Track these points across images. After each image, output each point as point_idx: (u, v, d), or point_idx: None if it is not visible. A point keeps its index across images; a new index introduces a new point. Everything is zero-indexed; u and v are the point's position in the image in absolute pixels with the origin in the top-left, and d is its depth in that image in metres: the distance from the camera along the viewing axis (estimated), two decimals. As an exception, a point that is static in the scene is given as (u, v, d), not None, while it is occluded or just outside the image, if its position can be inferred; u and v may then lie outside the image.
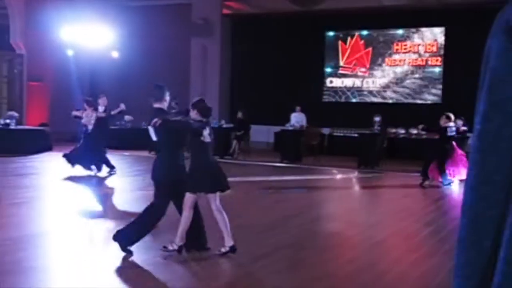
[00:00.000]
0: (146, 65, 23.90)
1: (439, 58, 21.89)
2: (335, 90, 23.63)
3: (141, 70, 23.85)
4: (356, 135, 17.84)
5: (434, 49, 21.98)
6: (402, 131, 20.39)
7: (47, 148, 18.09)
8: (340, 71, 23.49)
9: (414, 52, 22.29)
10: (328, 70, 23.70)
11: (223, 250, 6.11)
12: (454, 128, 12.96)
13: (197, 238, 6.23)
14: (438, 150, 13.02)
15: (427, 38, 22.17)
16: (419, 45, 22.23)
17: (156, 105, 6.38)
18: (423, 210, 10.18)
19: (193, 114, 6.36)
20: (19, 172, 13.32)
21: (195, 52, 24.26)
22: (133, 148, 19.28)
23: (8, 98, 22.43)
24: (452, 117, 13.07)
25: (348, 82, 23.38)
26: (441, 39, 21.93)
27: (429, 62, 22.06)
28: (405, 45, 22.42)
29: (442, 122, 12.91)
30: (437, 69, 21.98)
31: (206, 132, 6.20)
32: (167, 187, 6.18)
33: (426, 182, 12.92)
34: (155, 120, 6.03)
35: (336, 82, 23.58)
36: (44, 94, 22.34)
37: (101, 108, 13.79)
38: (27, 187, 11.05)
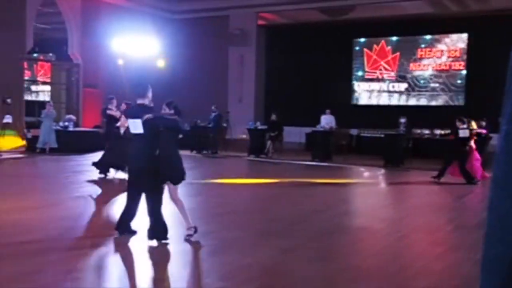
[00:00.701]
0: (189, 72, 23.95)
1: (462, 63, 21.41)
2: (363, 93, 23.31)
3: (184, 77, 23.92)
4: (382, 135, 17.46)
5: (458, 54, 21.49)
6: (427, 132, 19.93)
7: (101, 147, 18.24)
8: (367, 76, 23.15)
9: (438, 58, 21.84)
10: (356, 74, 23.40)
11: (188, 232, 6.14)
12: (467, 131, 12.49)
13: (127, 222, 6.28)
14: (454, 151, 12.64)
15: (450, 44, 21.69)
16: (442, 50, 21.77)
17: (140, 101, 6.45)
18: (447, 206, 9.82)
19: (169, 111, 6.58)
20: (76, 169, 13.47)
21: (232, 60, 24.21)
22: (182, 147, 19.25)
23: (66, 103, 22.79)
24: (465, 120, 12.64)
25: (375, 86, 23.05)
26: (464, 44, 21.43)
27: (453, 67, 21.58)
28: (430, 51, 22.01)
29: (457, 124, 12.58)
30: (460, 74, 21.49)
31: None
32: (145, 175, 6.16)
33: (437, 179, 12.56)
34: (148, 115, 6.12)
35: (364, 86, 23.27)
36: (98, 99, 22.55)
37: None
38: (83, 182, 11.10)
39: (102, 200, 9.19)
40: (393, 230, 7.31)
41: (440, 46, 21.80)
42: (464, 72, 21.37)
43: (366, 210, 9.40)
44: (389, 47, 22.67)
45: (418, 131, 19.83)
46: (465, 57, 21.29)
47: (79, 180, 11.38)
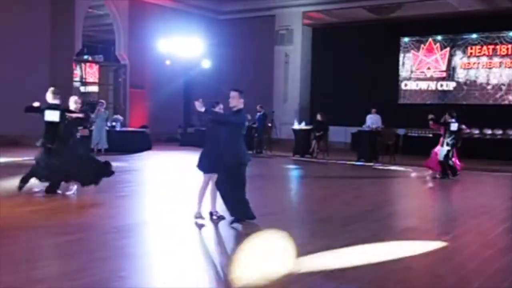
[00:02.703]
0: (234, 72, 24.19)
1: (513, 61, 20.97)
2: (410, 92, 23.07)
3: (229, 77, 24.16)
4: (431, 135, 17.30)
5: (508, 52, 21.04)
6: (476, 131, 19.59)
7: (147, 147, 18.64)
8: (415, 75, 22.90)
9: (488, 56, 21.42)
10: (404, 74, 23.17)
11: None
12: (456, 124, 13.02)
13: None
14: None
15: (500, 41, 21.23)
16: (493, 48, 21.34)
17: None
18: (498, 207, 9.69)
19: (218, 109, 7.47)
20: (123, 168, 13.73)
21: (278, 59, 24.34)
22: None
23: (113, 103, 23.35)
24: (454, 114, 13.18)
25: (422, 85, 22.77)
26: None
27: (503, 65, 21.14)
28: (479, 48, 21.58)
29: (446, 117, 13.12)
30: (511, 71, 21.04)
31: None
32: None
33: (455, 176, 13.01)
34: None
35: (411, 85, 23.02)
36: (144, 99, 23.06)
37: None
38: (130, 182, 11.41)
39: (148, 199, 9.43)
40: (443, 231, 7.30)
41: (490, 44, 21.37)
42: (515, 70, 20.94)
43: (414, 211, 9.37)
44: (438, 45, 22.37)
45: (468, 130, 19.52)
46: (517, 54, 20.86)
47: (125, 180, 11.68)
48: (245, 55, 24.30)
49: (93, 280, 4.73)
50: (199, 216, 7.40)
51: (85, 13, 21.28)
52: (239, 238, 6.51)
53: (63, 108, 9.16)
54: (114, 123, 18.42)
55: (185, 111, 24.96)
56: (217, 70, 24.19)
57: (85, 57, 26.15)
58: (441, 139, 13.24)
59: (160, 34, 21.97)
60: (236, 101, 7.27)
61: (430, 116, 13.32)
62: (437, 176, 13.14)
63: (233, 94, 7.31)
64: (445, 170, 13.09)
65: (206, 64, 23.14)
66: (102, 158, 15.61)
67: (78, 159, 9.09)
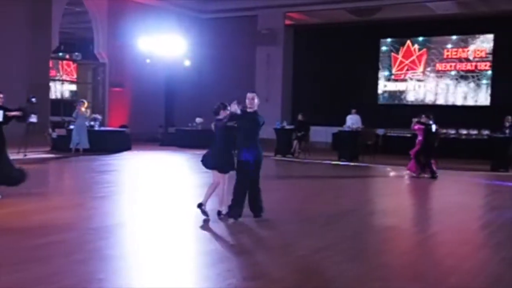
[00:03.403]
0: (216, 71, 24.21)
1: (488, 63, 21.35)
2: (389, 93, 23.33)
3: (211, 77, 24.19)
4: (409, 135, 17.48)
5: (483, 54, 21.42)
6: (453, 131, 19.90)
7: (127, 147, 18.53)
8: (394, 76, 23.18)
9: (464, 58, 21.81)
10: (383, 74, 23.42)
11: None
12: (434, 125, 13.55)
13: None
14: (423, 145, 13.38)
15: (476, 44, 21.63)
16: (468, 50, 21.73)
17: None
18: (473, 205, 9.91)
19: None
20: (102, 169, 13.68)
21: (259, 60, 24.41)
22: (204, 147, 19.42)
23: (92, 102, 23.15)
24: (431, 116, 13.61)
25: (401, 86, 23.08)
26: (490, 45, 21.37)
27: (478, 67, 21.54)
28: (456, 51, 21.97)
29: (423, 120, 13.44)
30: (486, 74, 21.44)
31: (212, 124, 7.75)
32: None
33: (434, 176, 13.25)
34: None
35: (390, 86, 23.31)
36: (124, 98, 22.93)
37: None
38: (109, 183, 11.36)
39: (126, 200, 9.42)
40: (421, 230, 7.45)
41: (467, 47, 21.74)
42: (489, 72, 21.33)
43: (394, 210, 9.52)
44: (416, 48, 22.68)
45: (444, 131, 19.82)
46: (490, 57, 21.23)
47: (103, 181, 11.62)
48: (227, 54, 24.33)
49: (70, 283, 4.67)
50: (204, 212, 7.52)
51: (62, 10, 21.04)
52: (218, 238, 6.55)
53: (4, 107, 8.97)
54: (92, 123, 18.25)
55: (166, 111, 24.89)
56: (199, 69, 24.18)
57: (62, 54, 25.79)
58: (420, 139, 13.47)
59: (141, 32, 21.78)
60: (254, 102, 7.60)
61: (416, 120, 13.57)
62: (425, 176, 13.37)
63: (252, 95, 7.65)
64: (432, 169, 13.36)
65: (187, 63, 23.08)
66: (77, 159, 15.62)
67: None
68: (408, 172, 13.78)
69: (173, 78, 24.32)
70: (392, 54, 23.11)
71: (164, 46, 21.94)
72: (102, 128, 19.14)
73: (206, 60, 24.33)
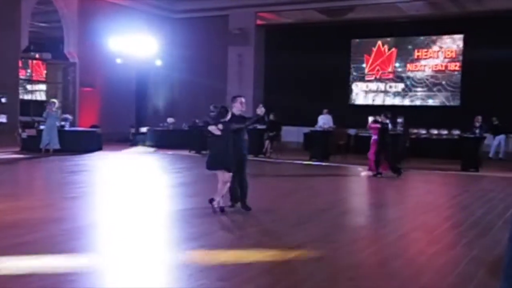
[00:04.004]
0: (187, 72, 24.12)
1: (458, 64, 21.65)
2: (360, 93, 23.50)
3: (182, 76, 24.07)
4: (380, 135, 17.65)
5: (453, 55, 21.72)
6: (423, 131, 20.14)
7: (98, 147, 18.34)
8: (365, 76, 23.36)
9: (435, 58, 22.07)
10: (354, 74, 23.59)
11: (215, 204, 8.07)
12: (390, 126, 14.03)
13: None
14: (381, 143, 13.60)
15: (446, 45, 21.92)
16: (439, 51, 22.00)
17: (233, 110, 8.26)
18: (443, 205, 10.03)
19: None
20: (72, 169, 13.52)
21: (231, 60, 24.37)
22: (175, 147, 19.43)
23: (62, 103, 22.81)
24: (389, 115, 14.08)
25: (372, 86, 23.27)
26: (460, 45, 21.67)
27: (449, 68, 21.83)
28: (426, 51, 22.23)
29: (381, 118, 13.73)
30: (456, 74, 21.72)
31: (212, 127, 7.96)
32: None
33: (398, 175, 13.52)
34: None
35: (362, 86, 23.47)
36: (95, 98, 22.67)
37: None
38: (80, 183, 11.22)
39: (98, 201, 9.32)
40: (392, 229, 7.49)
41: (437, 47, 22.04)
42: (459, 72, 21.63)
43: (365, 210, 9.60)
44: (386, 48, 22.90)
45: (415, 131, 20.05)
46: (460, 57, 21.54)
47: (75, 181, 11.48)
48: (198, 55, 24.23)
49: (42, 284, 4.62)
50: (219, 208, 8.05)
51: (32, 9, 20.70)
52: (190, 239, 6.50)
53: None
54: (63, 123, 18.03)
55: (137, 111, 24.68)
56: (170, 69, 24.04)
57: (32, 54, 25.36)
58: (375, 138, 13.69)
59: (112, 31, 21.57)
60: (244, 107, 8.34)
61: (373, 119, 13.83)
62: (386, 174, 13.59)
63: (244, 100, 8.42)
64: (396, 167, 13.59)
65: (159, 63, 22.94)
66: (47, 159, 15.41)
67: None
68: (369, 172, 13.91)
69: (144, 78, 24.14)
70: (363, 51, 23.28)
71: (135, 46, 21.78)
72: (73, 128, 18.98)
73: (178, 60, 24.21)
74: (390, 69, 22.85)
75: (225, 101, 24.00)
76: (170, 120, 21.27)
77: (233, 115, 8.16)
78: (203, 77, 23.70)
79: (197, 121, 19.53)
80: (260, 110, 8.34)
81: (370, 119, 14.04)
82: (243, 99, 8.39)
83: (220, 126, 7.91)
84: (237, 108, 8.28)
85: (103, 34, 21.62)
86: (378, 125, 13.65)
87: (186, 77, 24.17)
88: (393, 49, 22.73)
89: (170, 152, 18.85)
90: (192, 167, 15.24)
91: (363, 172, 13.87)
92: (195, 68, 24.10)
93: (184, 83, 24.04)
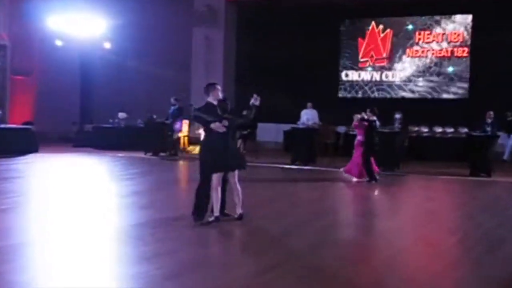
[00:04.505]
0: (142, 58, 23.92)
1: (466, 49, 21.76)
2: (351, 84, 23.59)
3: (137, 63, 23.88)
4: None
5: (461, 38, 21.86)
6: (425, 129, 20.33)
7: (33, 149, 18.14)
8: (357, 64, 23.41)
9: (438, 42, 22.19)
10: (344, 62, 23.63)
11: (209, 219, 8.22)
12: (378, 123, 14.08)
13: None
14: (369, 144, 13.78)
15: (452, 27, 22.04)
16: (443, 34, 22.12)
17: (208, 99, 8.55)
18: (448, 215, 10.18)
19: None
20: (3, 175, 13.38)
21: (196, 43, 24.26)
22: (128, 148, 19.31)
23: (-12, 94, 22.54)
24: (377, 111, 14.08)
25: (366, 75, 23.33)
26: (468, 27, 21.76)
27: (455, 54, 21.96)
28: (429, 34, 22.33)
29: (368, 115, 13.87)
30: (464, 61, 21.86)
31: (213, 125, 8.16)
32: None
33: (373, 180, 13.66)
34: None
35: (353, 76, 23.53)
36: (29, 89, 22.45)
37: None
38: (11, 192, 11.10)
39: (34, 213, 9.23)
40: (388, 244, 7.59)
41: (441, 29, 22.21)
42: (467, 59, 21.75)
43: (357, 221, 9.68)
44: (381, 28, 22.98)
45: (416, 128, 20.22)
46: (469, 42, 21.71)
47: (5, 190, 11.33)
48: (157, 37, 24.07)
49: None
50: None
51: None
52: (145, 259, 6.50)
53: None
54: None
55: (81, 104, 24.49)
56: (122, 54, 23.86)
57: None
58: (360, 139, 13.85)
59: (50, 9, 21.31)
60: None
61: (360, 116, 13.94)
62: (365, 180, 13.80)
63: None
64: (371, 172, 13.79)
65: (107, 46, 22.76)
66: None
67: None
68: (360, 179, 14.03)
69: (90, 64, 23.95)
70: (355, 35, 23.34)
71: (79, 26, 21.52)
72: (2, 126, 18.71)
73: (131, 43, 24.02)
74: (386, 56, 22.98)
75: (189, 92, 24.00)
76: (121, 115, 21.13)
77: (211, 105, 8.42)
78: (162, 64, 23.56)
79: (154, 116, 19.45)
80: (256, 100, 8.67)
81: (357, 117, 14.10)
82: (219, 87, 8.71)
83: (226, 122, 8.22)
84: (216, 97, 8.53)
85: (40, 11, 21.35)
86: (366, 123, 13.79)
87: (141, 63, 23.98)
88: (389, 30, 22.80)
89: (121, 154, 18.74)
90: (148, 172, 15.17)
91: (355, 178, 13.98)
92: (152, 53, 23.95)
93: (138, 71, 23.86)
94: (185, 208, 9.13)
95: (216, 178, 8.27)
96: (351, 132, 20.57)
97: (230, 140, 8.43)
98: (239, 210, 8.54)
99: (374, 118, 13.91)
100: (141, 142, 19.21)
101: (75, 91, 24.04)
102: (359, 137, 13.98)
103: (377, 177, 13.77)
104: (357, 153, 13.96)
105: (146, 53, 24.00)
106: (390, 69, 22.89)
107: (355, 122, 14.22)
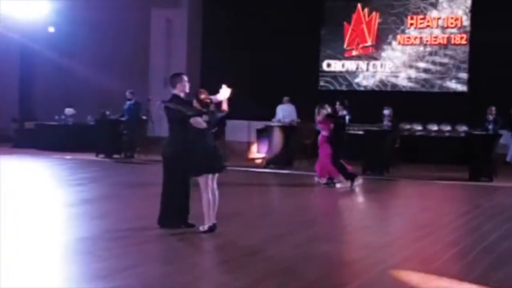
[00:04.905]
0: (93, 44, 23.73)
1: (464, 36, 21.86)
2: (334, 75, 23.62)
3: (86, 50, 23.68)
4: (360, 132, 17.86)
5: (459, 24, 21.95)
6: (419, 127, 20.45)
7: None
8: (343, 53, 23.40)
9: (433, 28, 22.26)
10: (325, 50, 23.64)
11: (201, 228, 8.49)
12: (348, 117, 14.35)
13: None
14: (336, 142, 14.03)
15: (449, 10, 22.12)
16: (439, 18, 22.20)
17: (173, 92, 8.83)
18: (446, 226, 10.22)
19: (195, 104, 8.73)
20: None
21: (156, 27, 24.17)
22: (77, 149, 19.15)
23: None
24: (347, 104, 14.42)
25: (350, 65, 23.35)
26: (467, 11, 21.84)
27: (452, 41, 22.05)
28: (422, 19, 22.40)
29: (338, 108, 14.24)
30: (462, 50, 21.95)
31: (198, 119, 8.50)
32: (168, 162, 8.71)
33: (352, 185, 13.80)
34: (158, 102, 8.28)
35: (336, 66, 23.54)
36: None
37: None
38: None
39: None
40: (378, 260, 7.59)
41: (437, 13, 22.29)
42: (466, 47, 21.86)
43: (342, 234, 9.69)
44: (367, 12, 22.99)
45: (408, 126, 20.33)
46: (468, 28, 21.82)
47: None
48: (109, 19, 23.87)
49: None
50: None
51: None
52: (98, 277, 6.44)
53: None
54: None
55: (21, 98, 24.23)
56: (69, 40, 23.64)
57: None
58: (326, 135, 13.98)
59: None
60: None
61: (327, 112, 14.03)
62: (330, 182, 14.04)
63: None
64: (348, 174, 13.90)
65: (52, 30, 22.58)
66: None
67: None
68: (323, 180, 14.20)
69: (31, 52, 23.69)
70: (339, 19, 23.32)
71: (18, 8, 21.33)
72: None
73: (80, 28, 23.80)
74: (371, 42, 23.00)
75: (147, 83, 23.88)
76: (69, 111, 20.95)
77: (179, 99, 8.73)
78: (115, 51, 23.40)
79: (107, 112, 19.32)
80: (226, 93, 9.03)
81: (322, 112, 14.15)
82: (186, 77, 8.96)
83: (206, 117, 8.60)
84: (183, 89, 8.84)
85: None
86: (331, 122, 13.86)
87: (91, 51, 23.80)
88: (374, 13, 22.78)
89: (69, 156, 18.58)
90: (100, 177, 15.08)
91: (338, 184, 14.02)
92: (105, 38, 23.77)
93: (89, 60, 23.66)
94: (145, 218, 9.10)
95: (203, 181, 8.50)
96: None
97: (211, 137, 8.72)
98: (212, 220, 8.58)
99: (344, 112, 14.03)
100: (92, 143, 19.08)
101: (13, 83, 23.78)
102: (323, 133, 14.04)
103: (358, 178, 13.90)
104: (323, 151, 14.00)
105: (97, 39, 23.81)
106: (377, 58, 22.93)
107: (319, 118, 14.22)
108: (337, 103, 14.17)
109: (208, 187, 8.53)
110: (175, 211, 8.64)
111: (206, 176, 8.54)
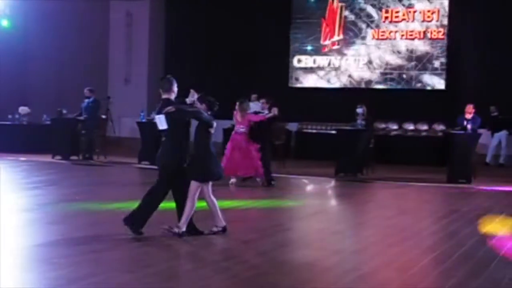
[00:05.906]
0: (49, 39, 23.55)
1: (442, 30, 22.01)
2: (305, 72, 23.64)
3: (41, 45, 23.49)
4: (333, 132, 17.92)
5: (435, 16, 22.08)
6: (394, 126, 20.57)
7: None
8: (312, 47, 23.44)
9: (409, 21, 22.35)
10: (296, 45, 23.67)
11: (215, 229, 8.93)
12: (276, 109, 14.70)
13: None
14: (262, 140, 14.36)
15: (426, 3, 22.23)
16: (415, 11, 22.30)
17: (165, 96, 9.04)
18: (423, 231, 10.30)
19: (202, 107, 9.07)
20: None
21: (116, 21, 24.10)
22: (32, 151, 19.00)
23: None
24: (272, 98, 15.00)
25: (322, 61, 23.39)
26: (444, 3, 21.97)
27: (429, 35, 22.17)
28: (397, 11, 22.50)
29: (266, 103, 14.73)
30: (439, 44, 22.09)
31: (215, 124, 8.96)
32: (170, 173, 8.75)
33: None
34: (169, 107, 8.64)
35: (307, 61, 23.58)
36: None
37: None
38: None
39: None
40: (351, 267, 7.62)
41: (412, 5, 22.37)
42: (444, 42, 22.00)
43: (313, 239, 9.71)
44: (338, 6, 23.03)
45: (383, 125, 20.45)
46: (446, 21, 21.96)
47: None
48: (66, 12, 23.74)
49: None
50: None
51: None
52: (48, 286, 6.41)
53: None
54: None
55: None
56: (23, 35, 23.43)
57: None
58: (244, 131, 14.36)
59: None
60: None
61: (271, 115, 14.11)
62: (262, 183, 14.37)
63: None
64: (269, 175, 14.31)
65: (5, 23, 22.40)
66: None
67: None
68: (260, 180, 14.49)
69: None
70: (310, 11, 23.34)
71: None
72: None
73: (34, 22, 23.61)
74: (345, 38, 23.06)
75: (107, 80, 23.74)
76: (23, 110, 20.76)
77: (173, 103, 9.01)
78: (73, 46, 23.25)
79: (64, 111, 19.17)
80: (193, 97, 9.30)
81: (243, 108, 14.34)
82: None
83: (214, 122, 9.05)
84: (174, 93, 9.24)
85: None
86: (251, 121, 14.26)
87: (47, 45, 23.60)
88: (351, 9, 22.87)
89: (23, 157, 18.42)
90: (57, 180, 14.97)
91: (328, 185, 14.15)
92: (61, 33, 23.61)
93: (44, 55, 23.47)
94: (106, 224, 9.07)
95: (198, 187, 8.74)
96: (305, 130, 20.76)
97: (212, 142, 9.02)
98: (222, 223, 9.03)
99: (267, 112, 14.45)
100: (48, 143, 18.93)
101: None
102: (242, 129, 14.21)
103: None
104: (247, 149, 14.24)
105: (53, 32, 23.62)
106: (350, 54, 22.97)
107: (236, 113, 14.39)
108: (263, 100, 14.95)
109: (197, 194, 8.73)
110: (146, 218, 8.64)
111: (207, 182, 8.85)
